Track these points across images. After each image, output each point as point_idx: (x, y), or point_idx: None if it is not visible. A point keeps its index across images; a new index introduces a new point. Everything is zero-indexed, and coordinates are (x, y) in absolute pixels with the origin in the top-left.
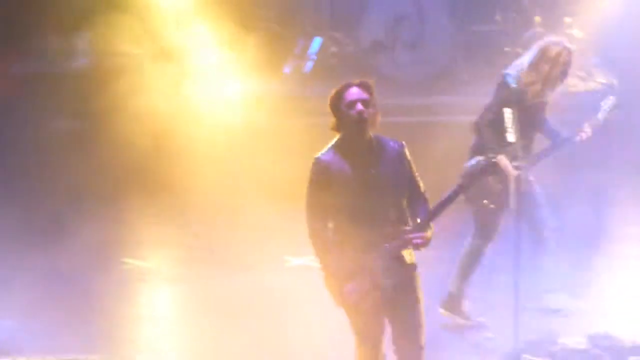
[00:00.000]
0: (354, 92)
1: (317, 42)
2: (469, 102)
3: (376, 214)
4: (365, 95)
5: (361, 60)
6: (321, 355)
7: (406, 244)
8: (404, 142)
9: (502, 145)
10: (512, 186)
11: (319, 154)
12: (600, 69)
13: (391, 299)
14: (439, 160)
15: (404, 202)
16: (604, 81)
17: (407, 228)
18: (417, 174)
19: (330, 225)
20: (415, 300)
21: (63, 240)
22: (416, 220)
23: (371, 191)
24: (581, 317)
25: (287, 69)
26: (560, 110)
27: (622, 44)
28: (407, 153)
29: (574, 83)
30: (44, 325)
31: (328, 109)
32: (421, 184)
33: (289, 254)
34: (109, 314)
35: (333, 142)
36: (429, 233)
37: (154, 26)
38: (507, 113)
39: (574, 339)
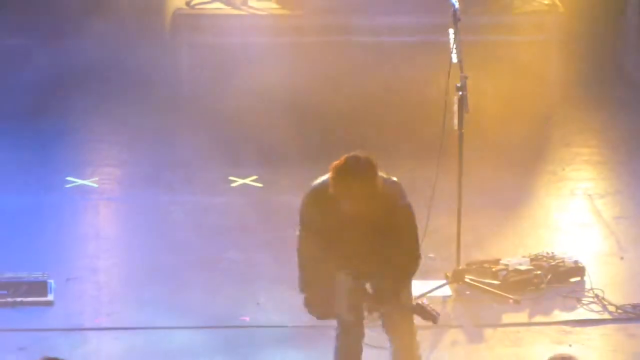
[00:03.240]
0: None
1: None
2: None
3: (351, 254)
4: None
5: None
6: (261, 269)
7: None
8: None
9: None
10: None
11: (315, 183)
12: None
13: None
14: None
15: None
16: (546, 2)
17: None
18: (414, 228)
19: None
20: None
21: (6, 157)
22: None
23: (349, 234)
24: (523, 237)
25: None
26: (504, 32)
27: None
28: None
29: (517, 5)
30: None
31: None
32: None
33: (234, 174)
34: (53, 231)
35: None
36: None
37: None
38: (451, 34)
39: (517, 259)
